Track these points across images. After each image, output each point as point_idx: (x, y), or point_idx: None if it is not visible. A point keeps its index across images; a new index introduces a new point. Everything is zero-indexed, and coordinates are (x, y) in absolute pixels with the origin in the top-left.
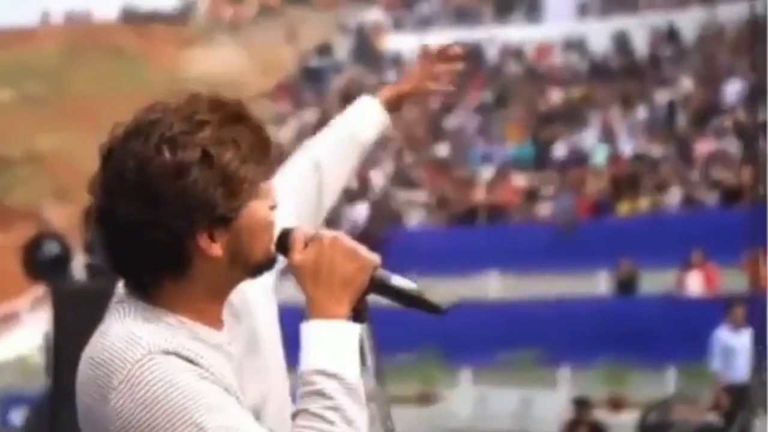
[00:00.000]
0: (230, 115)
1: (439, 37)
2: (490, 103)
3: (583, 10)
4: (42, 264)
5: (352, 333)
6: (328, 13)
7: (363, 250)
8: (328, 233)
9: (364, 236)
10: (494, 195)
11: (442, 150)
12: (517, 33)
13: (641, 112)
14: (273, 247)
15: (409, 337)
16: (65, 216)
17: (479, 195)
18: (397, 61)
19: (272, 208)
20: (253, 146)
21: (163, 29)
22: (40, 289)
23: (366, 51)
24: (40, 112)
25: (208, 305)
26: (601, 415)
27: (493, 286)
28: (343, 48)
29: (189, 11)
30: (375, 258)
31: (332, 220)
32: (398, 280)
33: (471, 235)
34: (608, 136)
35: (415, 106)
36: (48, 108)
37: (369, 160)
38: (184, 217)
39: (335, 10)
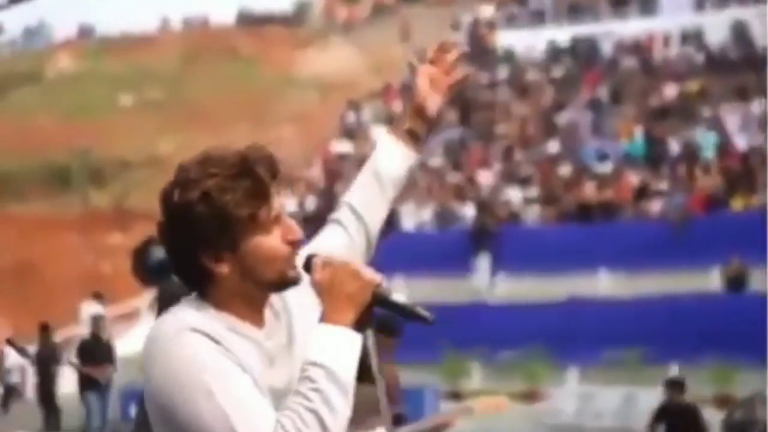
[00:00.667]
0: (238, 169)
1: (553, 33)
2: (603, 99)
3: (699, 1)
4: (150, 268)
5: (349, 337)
6: (442, 11)
7: (367, 273)
8: (341, 259)
9: (473, 234)
10: (606, 192)
11: (553, 147)
12: (632, 26)
13: (756, 106)
14: (290, 269)
15: (516, 335)
16: None
17: (590, 192)
18: (509, 57)
19: (290, 243)
20: (251, 194)
21: (277, 31)
22: None
23: (477, 48)
24: (159, 115)
25: (243, 306)
26: (707, 414)
27: (603, 283)
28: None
29: (303, 13)
30: (377, 278)
31: (445, 217)
32: (396, 297)
33: (582, 233)
34: (722, 130)
35: (527, 103)
36: (167, 111)
37: (476, 159)
38: (192, 243)
39: (449, 8)
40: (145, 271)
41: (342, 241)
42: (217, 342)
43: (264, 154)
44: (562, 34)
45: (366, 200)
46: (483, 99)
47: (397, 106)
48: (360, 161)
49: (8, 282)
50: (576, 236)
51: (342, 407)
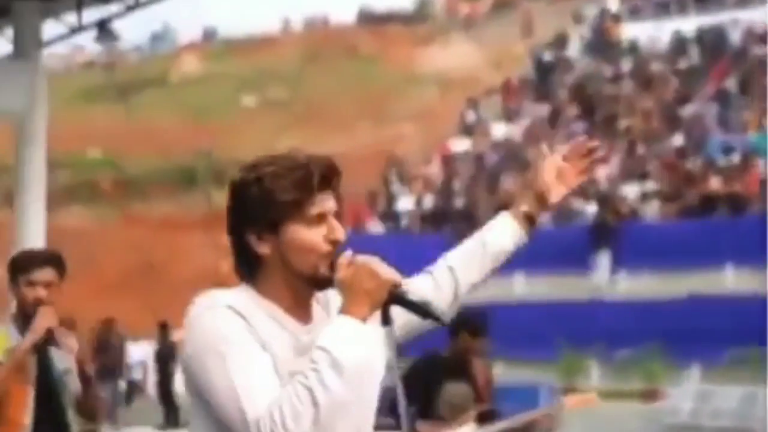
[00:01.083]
0: (294, 164)
1: (678, 24)
2: (731, 90)
3: None
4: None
5: (358, 329)
6: (563, 4)
7: (385, 273)
8: (363, 259)
9: (593, 230)
10: (732, 185)
11: (678, 140)
12: (761, 14)
13: None
14: (323, 267)
15: (635, 334)
16: None
17: (716, 186)
18: (633, 50)
19: (330, 242)
20: (298, 184)
21: (398, 29)
22: None
23: (601, 41)
24: (280, 115)
25: (288, 297)
26: None
27: (729, 279)
28: (577, 40)
29: (424, 10)
30: (395, 278)
31: (564, 214)
32: (412, 296)
33: (705, 228)
34: None
35: (650, 96)
36: (288, 111)
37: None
38: (241, 221)
39: (571, 1)
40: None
41: (427, 286)
42: (244, 318)
43: (325, 162)
44: (688, 24)
45: (464, 261)
46: (606, 93)
47: (516, 102)
48: (478, 159)
49: (132, 281)
50: (698, 232)
51: (336, 388)
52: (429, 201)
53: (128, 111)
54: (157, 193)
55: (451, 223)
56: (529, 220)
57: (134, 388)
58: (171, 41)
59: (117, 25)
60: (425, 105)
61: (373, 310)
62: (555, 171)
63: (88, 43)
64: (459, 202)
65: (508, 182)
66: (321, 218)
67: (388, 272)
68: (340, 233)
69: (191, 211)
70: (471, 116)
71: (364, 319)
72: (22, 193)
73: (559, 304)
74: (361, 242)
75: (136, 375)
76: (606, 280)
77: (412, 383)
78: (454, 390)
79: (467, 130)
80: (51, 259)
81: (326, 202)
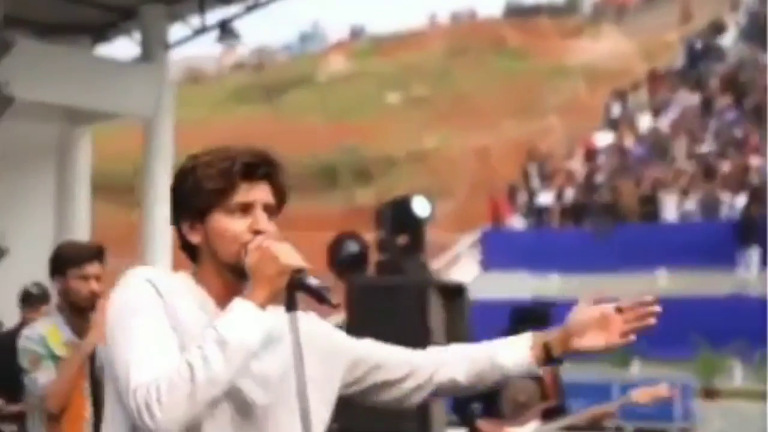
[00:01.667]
0: (226, 155)
1: None
2: None
3: None
4: (342, 261)
5: (252, 312)
6: None
7: (287, 258)
8: (268, 244)
9: (742, 225)
10: None
11: None
12: None
13: None
14: (244, 257)
15: None
16: (445, 212)
17: None
18: None
19: (254, 232)
20: (224, 174)
21: (546, 21)
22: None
23: (756, 28)
24: (425, 111)
25: (221, 288)
26: None
27: None
28: (733, 27)
29: (574, 2)
30: (296, 264)
31: (711, 207)
32: (312, 281)
33: None
34: None
35: None
36: (432, 107)
37: (750, 145)
38: (177, 210)
39: None
40: (337, 264)
41: (392, 357)
42: (160, 295)
43: (254, 152)
44: None
45: (462, 359)
46: (760, 82)
47: (664, 92)
48: (622, 152)
49: None
50: None
51: (218, 366)
52: (570, 195)
53: (275, 110)
54: (299, 192)
55: (592, 217)
56: (548, 355)
57: None
58: (320, 40)
59: (266, 26)
60: (572, 98)
61: (273, 295)
62: (600, 318)
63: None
64: (601, 196)
65: (654, 174)
66: (246, 208)
67: (290, 258)
68: (264, 224)
69: (331, 209)
70: (617, 108)
71: (261, 304)
72: (149, 195)
73: (698, 300)
74: (500, 237)
75: None
76: (754, 277)
77: None
78: (519, 387)
79: (612, 124)
80: (100, 252)
81: (253, 192)
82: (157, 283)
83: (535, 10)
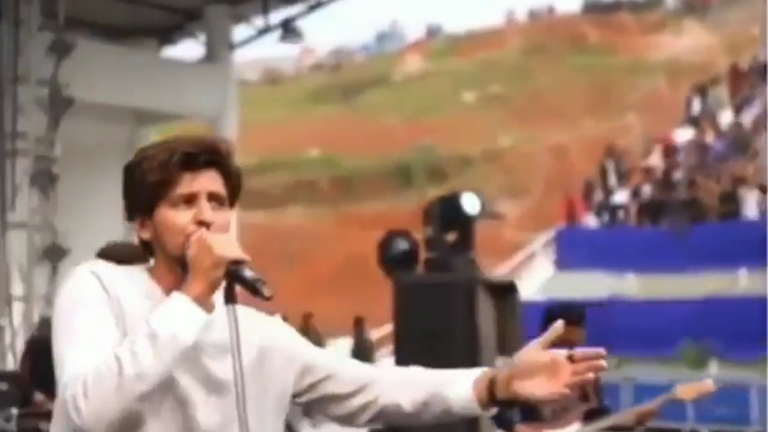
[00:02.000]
0: (168, 145)
1: None
2: None
3: None
4: (391, 259)
5: (186, 305)
6: None
7: (222, 249)
8: (206, 236)
9: None
10: None
11: None
12: None
13: None
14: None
15: None
16: (519, 210)
17: None
18: None
19: (199, 223)
20: (164, 165)
21: (628, 17)
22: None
23: None
24: (501, 110)
25: (166, 279)
26: None
27: None
28: None
29: None
30: (232, 255)
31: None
32: (246, 273)
33: None
34: None
35: None
36: (509, 106)
37: None
38: (129, 205)
39: None
40: (386, 262)
41: (345, 370)
42: (104, 288)
43: (196, 141)
44: None
45: (413, 386)
46: None
47: (745, 89)
48: (702, 149)
49: (341, 278)
50: None
51: (147, 360)
52: (647, 192)
53: (352, 110)
54: (373, 191)
55: (669, 215)
56: (491, 396)
57: None
58: (397, 40)
59: (344, 27)
60: (652, 95)
61: (210, 287)
62: (550, 364)
63: (318, 45)
64: (679, 194)
65: (734, 171)
66: (189, 199)
67: (226, 249)
68: (208, 214)
69: (405, 208)
70: (697, 104)
71: (197, 297)
72: None
73: None
74: (575, 235)
75: None
76: None
77: None
78: None
79: (691, 120)
80: (145, 254)
81: (196, 183)
82: (101, 275)
83: (615, 6)
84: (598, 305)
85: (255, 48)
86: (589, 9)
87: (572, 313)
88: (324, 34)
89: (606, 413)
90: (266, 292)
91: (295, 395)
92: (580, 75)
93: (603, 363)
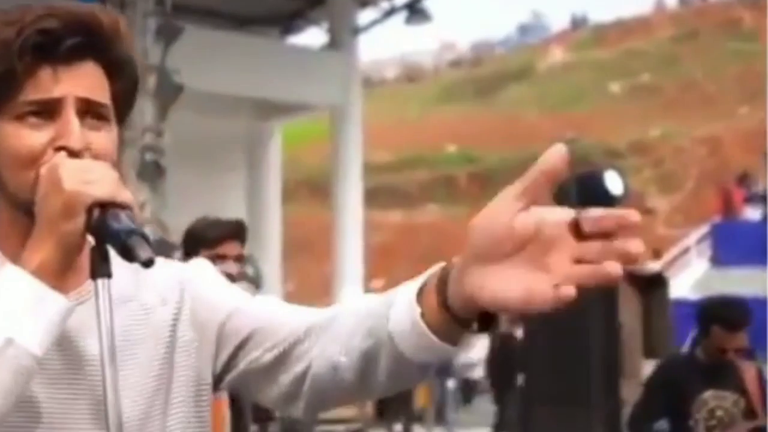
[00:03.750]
0: (13, 19)
1: None
2: None
3: None
4: None
5: (27, 284)
6: None
7: (79, 184)
8: (60, 162)
9: None
10: None
11: None
12: None
13: None
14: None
15: None
16: (670, 205)
17: None
18: None
19: (58, 149)
20: (5, 52)
21: None
22: None
23: None
24: (649, 101)
25: (9, 236)
26: None
27: None
28: None
29: None
30: (97, 194)
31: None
32: (115, 223)
33: None
34: None
35: None
36: (657, 96)
37: None
38: None
39: None
40: None
41: (273, 321)
42: None
43: (84, 14)
44: None
45: (335, 346)
46: None
47: None
48: None
49: None
50: None
51: None
52: None
53: (490, 105)
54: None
55: None
56: (448, 310)
57: (472, 388)
58: (541, 31)
59: (485, 21)
60: None
61: (63, 251)
62: (533, 238)
63: (458, 40)
64: None
65: None
66: (47, 108)
67: (89, 184)
68: (75, 136)
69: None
70: None
71: (41, 269)
72: (338, 183)
73: None
74: (732, 229)
75: (476, 373)
76: None
77: (657, 391)
78: (717, 400)
79: None
80: (238, 229)
81: (58, 83)
82: None
83: None
84: (759, 303)
85: (395, 46)
86: None
87: (734, 313)
88: (465, 28)
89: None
90: (143, 254)
91: (218, 375)
92: (734, 62)
93: (634, 245)
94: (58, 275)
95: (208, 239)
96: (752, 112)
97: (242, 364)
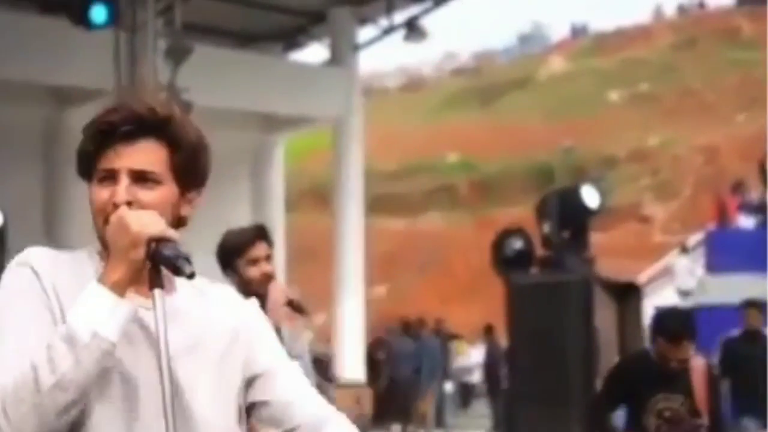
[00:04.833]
0: (104, 111)
1: None
2: None
3: None
4: (505, 259)
5: (103, 297)
6: None
7: (140, 225)
8: (122, 213)
9: None
10: None
11: None
12: None
13: None
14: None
15: None
16: (667, 212)
17: None
18: None
19: (113, 204)
20: (91, 136)
21: None
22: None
23: None
24: (648, 109)
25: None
26: None
27: None
28: None
29: None
30: (152, 231)
31: None
32: (166, 251)
33: None
34: None
35: None
36: (656, 104)
37: None
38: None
39: None
40: (501, 261)
41: (289, 403)
42: (40, 281)
43: (140, 108)
44: None
45: None
46: None
47: None
48: None
49: (477, 284)
50: None
51: (66, 367)
52: None
53: (491, 114)
54: (514, 195)
55: None
56: None
57: (470, 392)
58: (541, 40)
59: (486, 29)
60: None
61: (130, 271)
62: None
63: (460, 50)
64: None
65: None
66: (111, 175)
67: (145, 225)
68: (121, 196)
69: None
70: None
71: (116, 285)
72: (339, 195)
73: None
74: (727, 237)
75: (473, 378)
76: None
77: (616, 385)
78: (666, 402)
79: None
80: (261, 232)
81: (117, 158)
82: (36, 264)
83: None
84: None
85: (396, 57)
86: (744, 0)
87: (674, 325)
88: (466, 38)
89: None
90: (187, 269)
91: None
92: (733, 71)
93: None
94: (127, 289)
95: (237, 247)
96: (750, 119)
97: (251, 418)
